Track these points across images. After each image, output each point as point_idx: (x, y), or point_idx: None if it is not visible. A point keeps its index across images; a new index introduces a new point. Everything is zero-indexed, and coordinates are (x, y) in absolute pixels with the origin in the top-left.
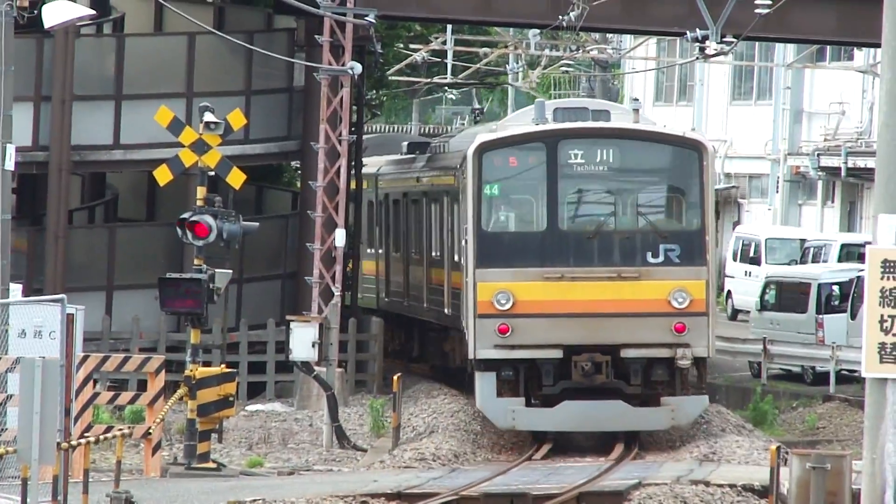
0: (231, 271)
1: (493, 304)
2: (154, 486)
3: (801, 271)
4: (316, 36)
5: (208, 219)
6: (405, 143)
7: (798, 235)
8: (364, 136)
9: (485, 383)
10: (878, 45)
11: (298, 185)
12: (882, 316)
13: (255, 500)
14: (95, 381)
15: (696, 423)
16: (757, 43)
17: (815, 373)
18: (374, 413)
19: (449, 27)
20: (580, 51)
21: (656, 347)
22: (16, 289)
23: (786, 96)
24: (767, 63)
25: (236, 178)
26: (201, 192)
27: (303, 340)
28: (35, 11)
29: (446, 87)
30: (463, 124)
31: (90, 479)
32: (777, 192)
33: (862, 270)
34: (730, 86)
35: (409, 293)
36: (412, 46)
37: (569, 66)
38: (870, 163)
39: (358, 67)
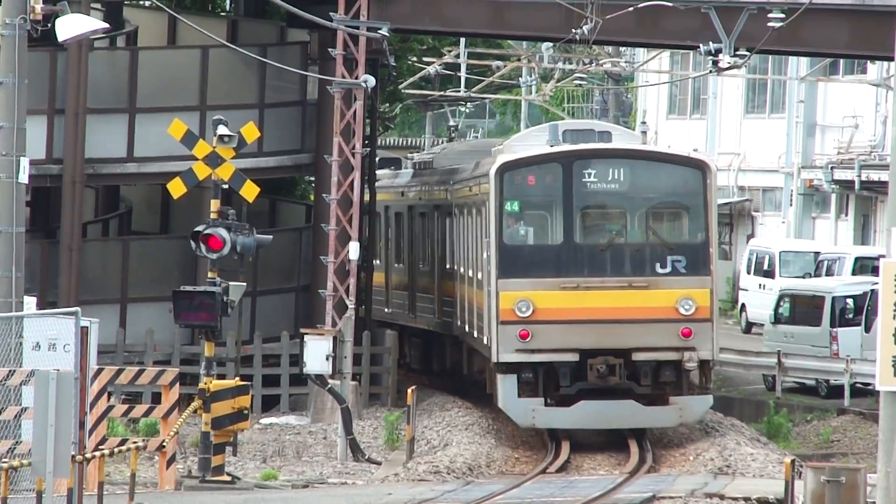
0: (245, 284)
1: (514, 312)
2: (168, 499)
3: (815, 284)
4: (329, 49)
5: (222, 232)
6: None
7: (812, 248)
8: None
9: (507, 385)
10: (891, 59)
11: (312, 197)
12: None
13: None
14: (110, 394)
15: (710, 436)
16: (770, 56)
17: (829, 386)
18: (388, 426)
19: (462, 40)
20: (593, 64)
21: (665, 351)
22: (30, 302)
23: (799, 109)
24: (781, 76)
25: (250, 191)
26: (215, 204)
27: (317, 353)
28: (49, 25)
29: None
30: (476, 136)
31: (104, 492)
32: (791, 205)
33: (876, 283)
34: (743, 99)
35: (394, 302)
36: (425, 59)
37: (582, 79)
38: (883, 176)
39: (371, 80)
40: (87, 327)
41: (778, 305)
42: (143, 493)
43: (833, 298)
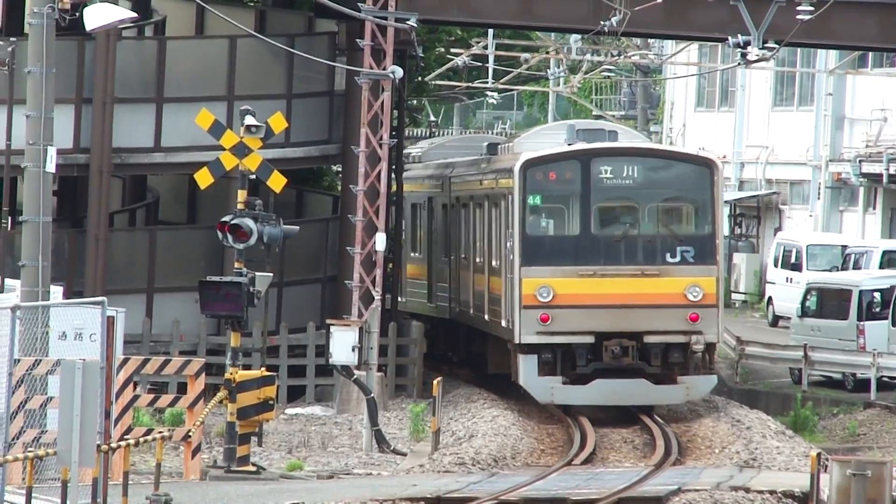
0: (271, 275)
1: (535, 297)
2: (193, 489)
3: (842, 278)
4: (357, 40)
5: (249, 222)
6: None
7: (839, 242)
8: None
9: (527, 364)
10: None
11: (339, 188)
12: None
13: None
14: (135, 384)
15: (735, 429)
16: (799, 49)
17: (855, 379)
18: (413, 417)
19: (490, 32)
20: (621, 56)
21: (674, 334)
22: (56, 291)
23: (827, 102)
24: (809, 69)
25: (277, 182)
26: (242, 195)
27: (343, 344)
28: (77, 14)
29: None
30: (504, 128)
31: (130, 482)
32: (818, 198)
33: None
34: (771, 92)
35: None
36: (453, 51)
37: (610, 71)
38: None
39: (399, 71)
40: (113, 317)
41: (805, 299)
42: (168, 482)
43: (860, 292)
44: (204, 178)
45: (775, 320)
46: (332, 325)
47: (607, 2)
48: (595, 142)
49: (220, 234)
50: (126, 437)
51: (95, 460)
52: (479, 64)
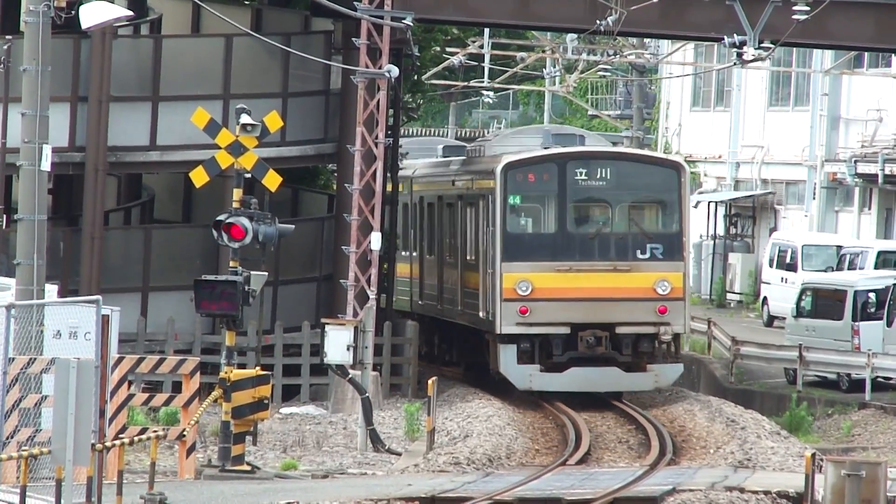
0: (266, 273)
1: (515, 291)
2: (188, 488)
3: (837, 278)
4: (353, 38)
5: (244, 221)
6: None
7: (835, 242)
8: None
9: (507, 353)
10: None
11: (334, 187)
12: None
13: (289, 503)
14: (130, 383)
15: (730, 429)
16: (794, 49)
17: (850, 380)
18: (408, 417)
19: (486, 31)
20: (617, 55)
21: (644, 325)
22: (51, 289)
23: (823, 102)
24: (805, 69)
25: (272, 181)
26: (237, 194)
27: (338, 343)
28: (72, 12)
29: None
30: (500, 128)
31: (124, 481)
32: (814, 198)
33: None
34: (767, 91)
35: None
36: (449, 50)
37: (606, 70)
38: None
39: (395, 70)
40: (108, 316)
41: (800, 299)
42: (162, 481)
43: (855, 292)
44: (199, 177)
45: (770, 320)
46: (327, 324)
47: (603, 1)
48: (568, 145)
49: (215, 233)
50: (121, 436)
51: (90, 459)
52: (475, 63)
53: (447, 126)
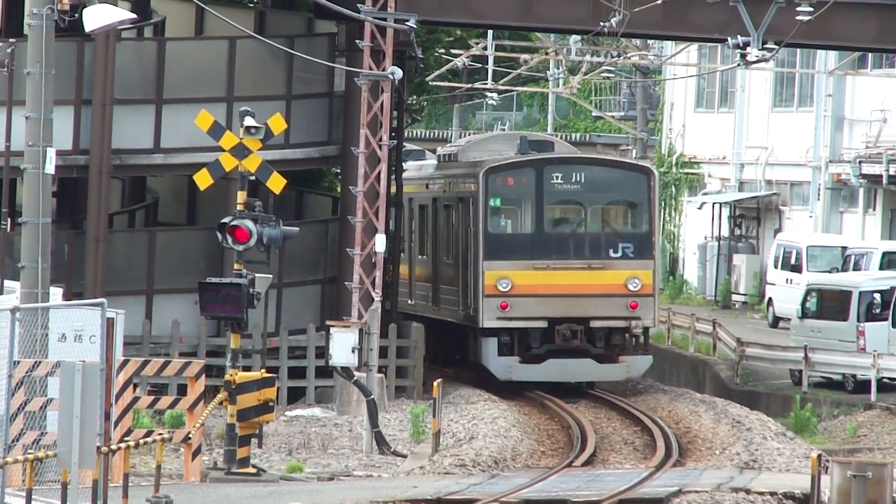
0: (271, 276)
1: (496, 287)
2: (193, 491)
3: (842, 279)
4: (357, 41)
5: (248, 223)
6: None
7: (839, 243)
8: None
9: (489, 346)
10: None
11: (339, 189)
12: None
13: None
14: (135, 386)
15: (736, 430)
16: (798, 50)
17: (856, 381)
18: (414, 419)
19: (490, 32)
20: (621, 57)
21: (616, 319)
22: (56, 292)
23: (827, 103)
24: (809, 70)
25: (276, 183)
26: (242, 196)
27: (343, 346)
28: (76, 15)
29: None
30: (504, 129)
31: (130, 484)
32: (818, 199)
33: None
34: (771, 92)
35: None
36: (453, 52)
37: (610, 71)
38: None
39: (398, 72)
40: (112, 318)
41: (805, 300)
42: (168, 484)
43: (860, 293)
44: (203, 180)
45: (775, 321)
46: (332, 326)
47: (607, 3)
48: (542, 151)
49: (219, 236)
50: (126, 438)
51: (95, 462)
52: (479, 65)
53: (451, 128)
